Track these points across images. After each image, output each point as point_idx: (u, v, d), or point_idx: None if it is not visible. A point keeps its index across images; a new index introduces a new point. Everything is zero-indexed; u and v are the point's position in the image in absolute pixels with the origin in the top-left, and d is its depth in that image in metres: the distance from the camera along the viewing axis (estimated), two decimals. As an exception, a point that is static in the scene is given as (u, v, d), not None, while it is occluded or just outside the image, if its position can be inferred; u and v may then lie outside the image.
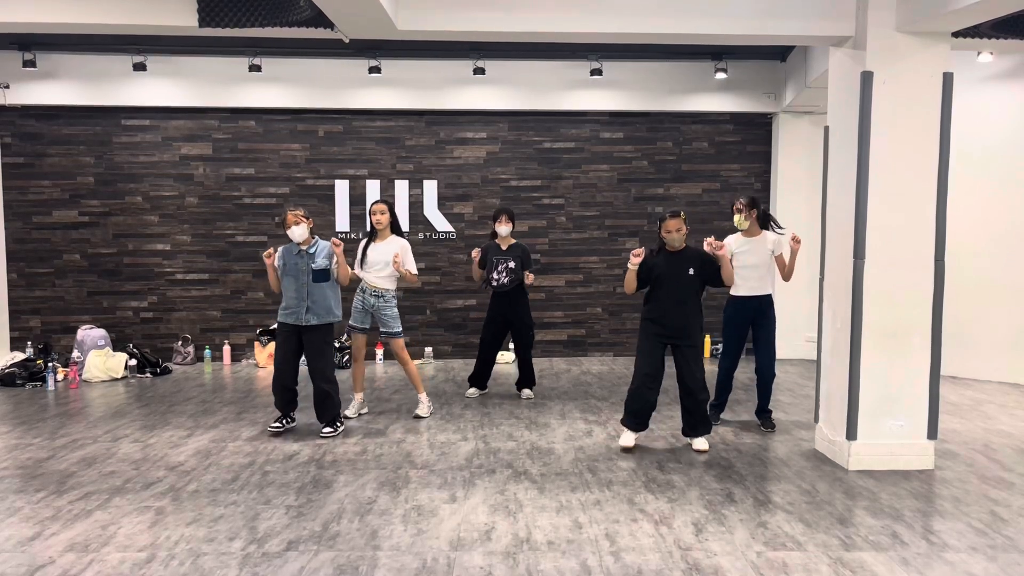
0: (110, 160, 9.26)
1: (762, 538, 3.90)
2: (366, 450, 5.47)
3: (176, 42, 8.63)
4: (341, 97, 9.17)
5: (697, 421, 5.44)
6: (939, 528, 4.06)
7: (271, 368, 8.84)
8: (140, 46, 8.69)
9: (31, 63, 8.56)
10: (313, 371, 5.79)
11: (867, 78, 4.91)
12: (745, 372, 8.57)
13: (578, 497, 4.50)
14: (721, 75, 9.07)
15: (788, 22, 5.21)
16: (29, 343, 9.05)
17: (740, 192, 9.65)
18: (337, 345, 9.20)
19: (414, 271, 6.26)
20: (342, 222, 9.43)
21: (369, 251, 6.25)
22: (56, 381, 7.96)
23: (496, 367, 8.37)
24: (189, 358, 9.24)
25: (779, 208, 9.49)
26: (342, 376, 8.21)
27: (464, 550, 3.75)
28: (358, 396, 6.49)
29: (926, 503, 4.44)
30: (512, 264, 6.98)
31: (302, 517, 4.18)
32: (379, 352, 9.27)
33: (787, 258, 6.01)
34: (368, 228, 6.48)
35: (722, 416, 6.40)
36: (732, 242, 6.03)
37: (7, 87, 8.80)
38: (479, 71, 8.87)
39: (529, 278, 6.95)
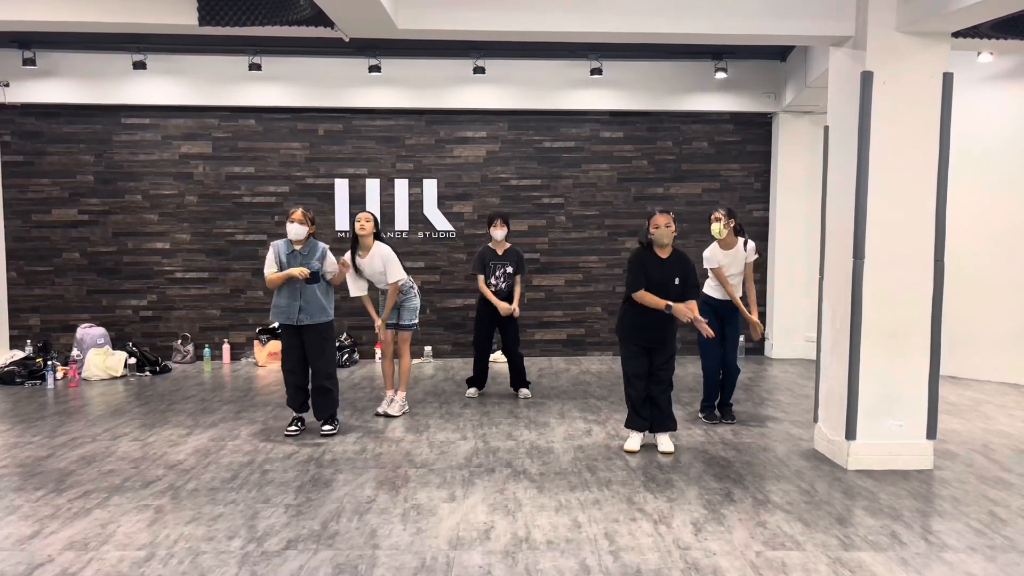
0: (110, 159, 9.26)
1: (761, 538, 3.90)
2: (365, 449, 5.47)
3: (176, 41, 8.63)
4: (341, 96, 9.17)
5: (663, 414, 5.41)
6: (938, 528, 4.07)
7: (271, 367, 8.85)
8: (140, 45, 8.69)
9: (31, 61, 8.56)
10: (314, 369, 5.79)
11: (867, 78, 4.91)
12: (744, 372, 8.58)
13: (577, 496, 4.50)
14: (721, 75, 9.07)
15: (788, 22, 5.21)
16: (28, 341, 9.05)
17: (740, 192, 9.67)
18: (337, 344, 9.21)
19: (397, 277, 6.17)
20: (342, 221, 9.43)
21: (361, 266, 6.24)
22: (55, 379, 7.96)
23: (496, 367, 8.36)
24: (188, 357, 9.24)
25: (779, 208, 9.51)
26: (343, 375, 8.22)
27: (463, 549, 3.75)
28: (389, 393, 6.55)
29: (925, 503, 4.44)
30: (510, 269, 7.03)
31: (301, 516, 4.18)
32: (377, 351, 9.27)
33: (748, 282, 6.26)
34: (351, 235, 6.46)
35: (737, 419, 6.39)
36: (715, 255, 6.19)
37: (7, 85, 8.80)
38: (479, 70, 8.87)
39: (515, 311, 7.00)
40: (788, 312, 9.57)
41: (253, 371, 8.74)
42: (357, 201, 9.41)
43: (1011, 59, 7.83)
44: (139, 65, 8.70)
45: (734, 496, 4.52)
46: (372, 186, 9.42)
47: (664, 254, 5.27)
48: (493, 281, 7.03)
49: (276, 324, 9.22)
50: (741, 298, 6.27)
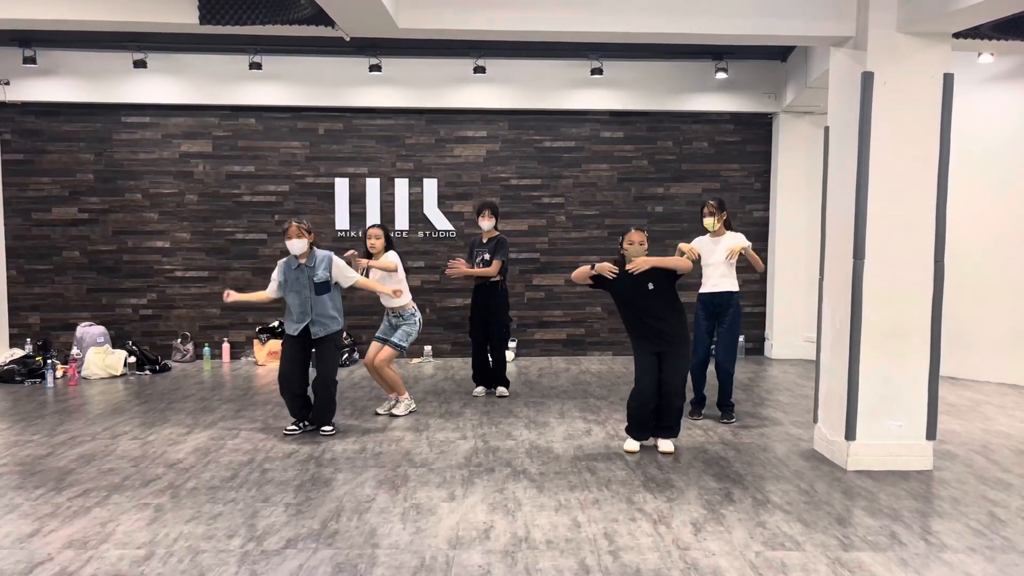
0: (110, 157, 9.26)
1: (760, 538, 3.91)
2: (365, 448, 5.47)
3: (177, 39, 8.63)
4: (341, 95, 9.17)
5: (669, 424, 5.41)
6: (937, 529, 4.07)
7: (270, 366, 8.85)
8: (141, 43, 8.69)
9: (31, 60, 8.56)
10: (318, 373, 5.81)
11: (868, 78, 4.91)
12: (743, 372, 8.59)
13: (577, 496, 4.50)
14: (721, 75, 9.07)
15: (789, 22, 5.21)
16: (28, 340, 9.05)
17: (740, 192, 9.67)
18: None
19: (404, 289, 6.29)
20: (342, 220, 9.43)
21: (372, 276, 6.31)
22: (55, 378, 7.96)
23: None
24: (188, 355, 9.24)
25: (779, 208, 9.51)
26: (343, 375, 8.22)
27: (463, 549, 3.75)
28: (392, 395, 6.54)
29: (925, 503, 4.44)
30: (488, 256, 7.01)
31: (301, 515, 4.18)
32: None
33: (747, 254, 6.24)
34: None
35: (737, 419, 6.40)
36: (701, 242, 6.32)
37: (7, 83, 8.80)
38: (479, 70, 8.87)
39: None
40: (788, 312, 9.57)
41: (253, 370, 8.74)
42: (357, 200, 9.41)
43: (1012, 60, 7.83)
44: (139, 64, 8.70)
45: (734, 496, 4.52)
46: (372, 185, 9.42)
47: (632, 267, 5.23)
48: (474, 266, 7.09)
49: (276, 323, 9.24)
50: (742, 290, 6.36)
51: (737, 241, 6.21)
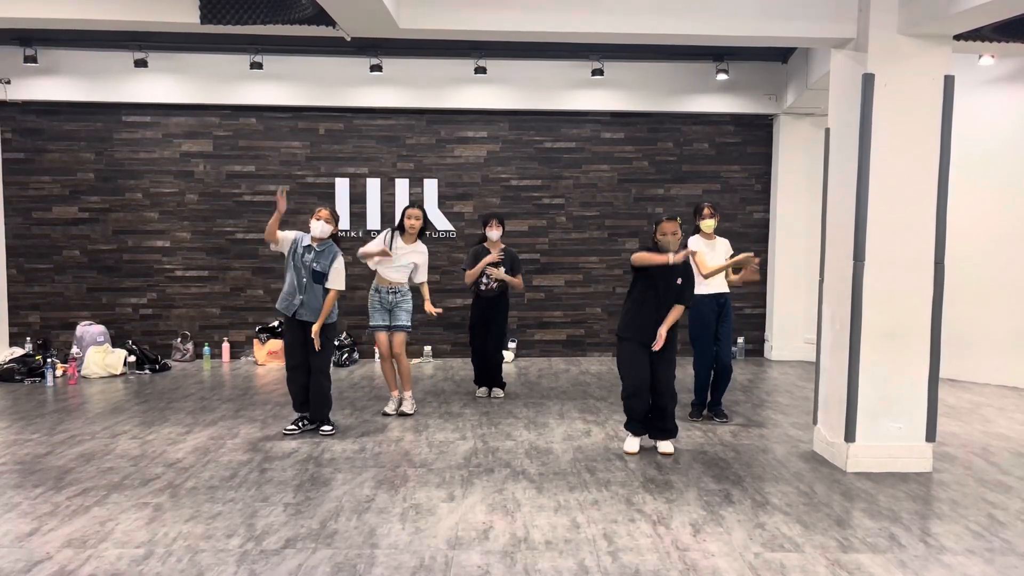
0: (110, 156, 9.26)
1: (760, 539, 3.90)
2: (364, 448, 5.47)
3: (177, 39, 8.62)
4: (342, 95, 9.17)
5: (666, 425, 5.42)
6: (937, 531, 4.07)
7: (270, 366, 8.85)
8: (141, 42, 8.69)
9: (32, 59, 8.56)
10: (312, 366, 5.80)
11: (868, 80, 4.91)
12: (743, 373, 8.59)
13: (576, 497, 4.50)
14: (722, 76, 9.07)
15: (790, 23, 5.21)
16: (28, 339, 9.05)
17: (740, 193, 9.67)
18: (336, 343, 9.21)
19: (423, 279, 6.46)
20: (342, 220, 9.42)
21: (396, 251, 6.33)
22: (55, 377, 7.96)
23: (504, 367, 8.33)
24: (188, 355, 9.24)
25: (779, 210, 9.51)
26: (343, 375, 8.21)
27: (462, 549, 3.75)
28: (394, 393, 6.56)
29: (924, 505, 4.44)
30: (503, 270, 7.01)
31: (300, 515, 4.18)
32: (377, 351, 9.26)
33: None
34: (397, 224, 6.49)
35: (730, 418, 6.40)
36: (695, 244, 6.28)
37: (8, 82, 8.80)
38: (480, 70, 8.87)
39: (500, 272, 6.95)
40: (788, 314, 9.57)
41: (252, 370, 8.74)
42: (358, 200, 9.41)
43: (1012, 62, 7.83)
44: (140, 63, 8.70)
45: (733, 497, 4.52)
46: (373, 185, 9.42)
47: None
48: (484, 280, 7.01)
49: (276, 323, 9.24)
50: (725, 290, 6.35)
51: (728, 248, 6.35)
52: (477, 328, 7.13)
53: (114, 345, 8.80)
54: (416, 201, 7.01)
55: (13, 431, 5.93)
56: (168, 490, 4.57)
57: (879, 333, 5.00)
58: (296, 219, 9.38)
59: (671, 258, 5.11)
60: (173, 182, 9.34)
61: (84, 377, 8.18)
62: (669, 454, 5.38)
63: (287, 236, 5.79)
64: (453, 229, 9.54)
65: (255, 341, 9.22)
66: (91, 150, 9.24)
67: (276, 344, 9.02)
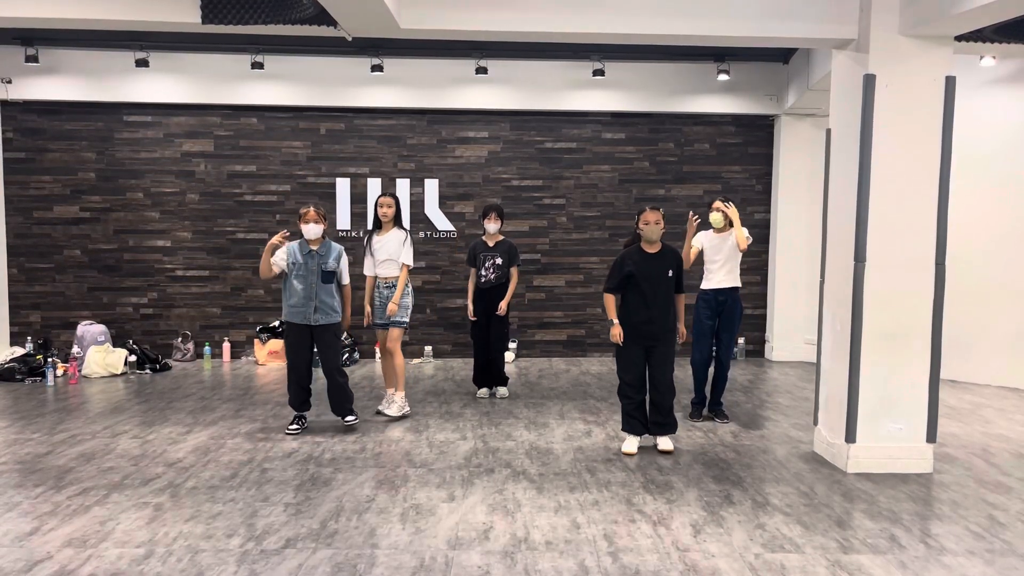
0: (111, 156, 9.26)
1: (760, 540, 3.90)
2: (365, 448, 5.47)
3: (179, 39, 8.63)
4: (343, 95, 9.17)
5: (663, 419, 5.44)
6: (937, 532, 4.06)
7: (271, 365, 8.85)
8: (143, 42, 8.69)
9: (33, 58, 8.56)
10: (326, 366, 5.82)
11: (869, 81, 4.91)
12: (744, 374, 8.59)
13: (576, 497, 4.50)
14: (723, 77, 9.07)
15: (791, 24, 5.21)
16: (29, 338, 9.05)
17: (741, 194, 9.67)
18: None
19: (408, 262, 6.25)
20: (343, 220, 9.43)
21: (374, 243, 6.31)
22: (55, 376, 7.96)
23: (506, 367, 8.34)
24: (189, 355, 9.25)
25: (780, 210, 9.51)
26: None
27: (462, 549, 3.75)
28: (390, 391, 6.50)
29: (924, 506, 4.44)
30: (499, 260, 6.99)
31: (300, 515, 4.18)
32: (377, 350, 9.26)
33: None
34: (372, 221, 6.49)
35: (730, 419, 6.40)
36: (704, 238, 6.33)
37: (9, 82, 8.81)
38: (481, 70, 8.87)
39: (501, 308, 6.96)
40: (788, 314, 9.56)
41: (253, 369, 8.74)
42: (359, 200, 9.42)
43: (1013, 63, 7.82)
44: (141, 63, 8.70)
45: (733, 498, 4.52)
46: (373, 185, 9.42)
47: (653, 249, 5.35)
48: (483, 272, 7.00)
49: (277, 323, 9.24)
50: (743, 290, 6.40)
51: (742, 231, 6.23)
52: (478, 322, 7.10)
53: (115, 345, 8.81)
54: (389, 191, 7.01)
55: (14, 430, 5.93)
56: (168, 490, 4.57)
57: (880, 334, 5.00)
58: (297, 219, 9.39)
59: (613, 326, 5.29)
60: (174, 182, 9.34)
61: (85, 377, 8.18)
62: (668, 452, 5.38)
63: (279, 258, 5.73)
64: (454, 229, 9.54)
65: (255, 341, 9.23)
66: (92, 150, 9.24)
67: (277, 344, 9.02)
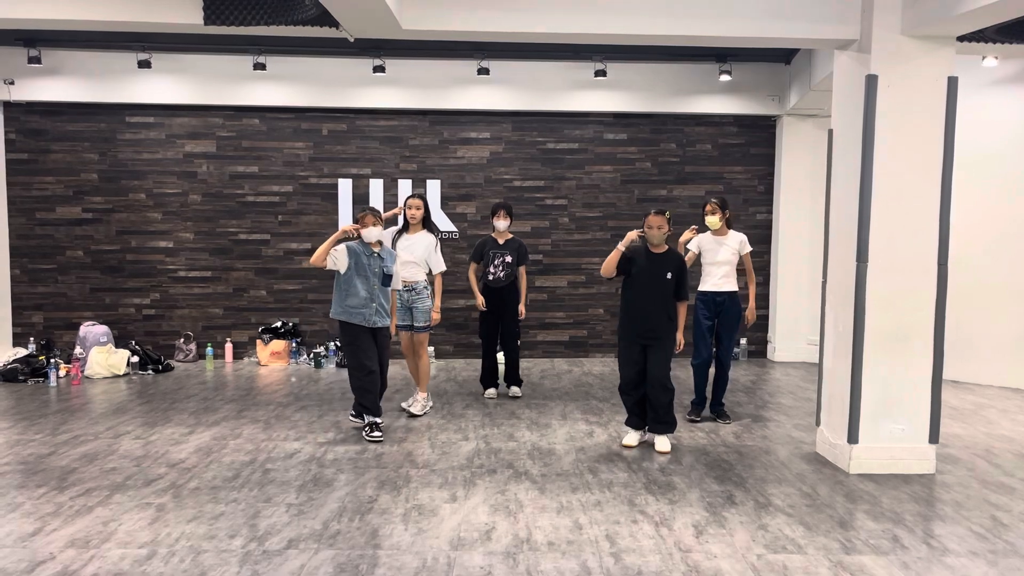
0: (114, 157, 9.27)
1: (762, 540, 3.90)
2: (367, 449, 5.47)
3: (181, 40, 8.64)
4: (345, 96, 9.18)
5: (660, 417, 5.50)
6: (940, 532, 4.06)
7: (272, 366, 8.86)
8: (145, 43, 8.70)
9: (36, 59, 8.57)
10: (383, 367, 5.87)
11: (872, 81, 4.90)
12: (746, 374, 8.58)
13: (579, 498, 4.50)
14: (725, 77, 9.06)
15: (793, 24, 5.21)
16: (32, 339, 9.07)
17: (743, 194, 9.67)
18: (340, 344, 9.21)
19: (442, 268, 6.47)
20: (345, 221, 9.42)
21: (400, 244, 6.37)
22: (58, 377, 7.97)
23: (500, 366, 8.34)
24: (191, 355, 9.25)
25: (782, 211, 9.50)
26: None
27: (464, 550, 3.75)
28: (421, 394, 6.55)
29: (927, 507, 4.44)
30: (508, 259, 7.00)
31: (303, 515, 4.19)
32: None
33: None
34: (401, 223, 6.54)
35: (731, 419, 6.40)
36: (703, 240, 6.40)
37: (12, 83, 8.82)
38: (483, 71, 8.87)
39: (521, 313, 7.12)
40: (791, 315, 9.56)
41: (255, 370, 8.75)
42: (361, 201, 9.42)
43: (1016, 63, 7.81)
44: (144, 64, 8.72)
45: (736, 499, 4.52)
46: (376, 186, 9.42)
47: (659, 251, 5.49)
48: (492, 270, 7.02)
49: (279, 324, 9.25)
50: (743, 291, 6.43)
51: (743, 246, 6.38)
52: (488, 321, 7.10)
53: (117, 345, 8.81)
54: (418, 192, 7.11)
55: (16, 431, 5.94)
56: (171, 490, 4.58)
57: (882, 334, 4.99)
58: (300, 220, 9.41)
59: (620, 245, 5.41)
60: (176, 183, 9.35)
61: (87, 377, 8.19)
62: (665, 453, 5.40)
63: (340, 253, 5.61)
64: (456, 230, 9.55)
65: (258, 341, 9.23)
66: (95, 151, 9.25)
67: (279, 345, 9.03)
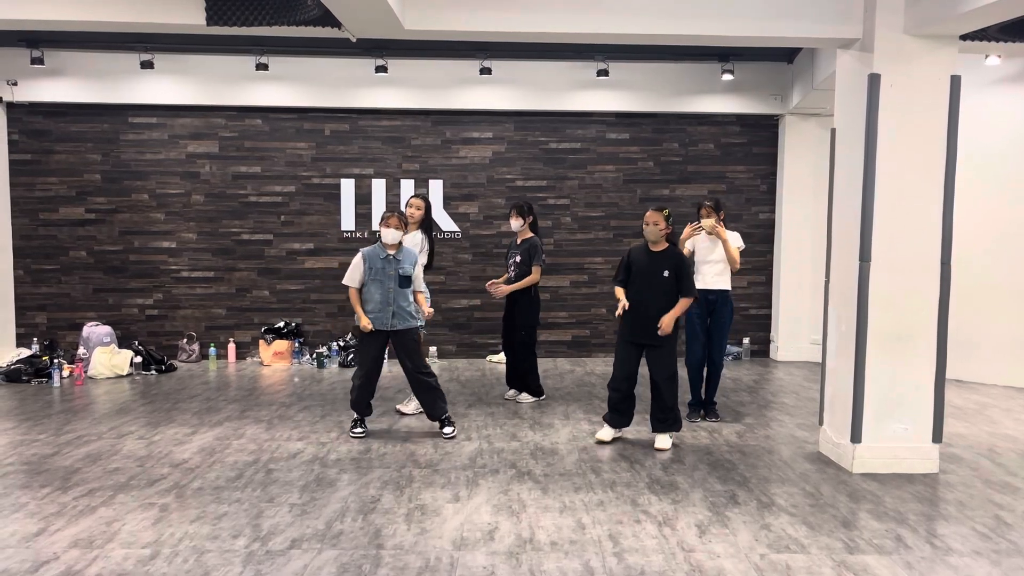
0: (117, 157, 9.28)
1: (765, 540, 3.90)
2: (370, 449, 5.48)
3: (183, 40, 8.65)
4: (347, 96, 9.19)
5: (662, 416, 5.53)
6: (943, 532, 4.05)
7: (275, 366, 8.87)
8: (148, 44, 8.71)
9: (39, 60, 8.59)
10: (410, 369, 5.76)
11: (874, 80, 4.90)
12: (749, 374, 8.57)
13: (581, 498, 4.50)
14: (728, 76, 9.05)
15: (795, 24, 5.20)
16: (35, 339, 9.08)
17: (746, 194, 9.66)
18: (343, 344, 9.22)
19: (422, 288, 6.04)
20: (348, 222, 9.44)
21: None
22: (62, 378, 7.98)
23: (499, 367, 8.36)
24: (194, 355, 9.26)
25: (785, 210, 9.49)
26: (349, 376, 8.21)
27: (467, 550, 3.76)
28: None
29: (930, 507, 4.43)
30: (519, 258, 6.97)
31: (306, 515, 4.19)
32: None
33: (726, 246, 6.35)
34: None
35: (722, 418, 6.39)
36: (697, 239, 6.42)
37: (15, 84, 8.83)
38: (485, 71, 8.87)
39: (502, 289, 6.92)
40: (794, 314, 9.54)
41: (258, 370, 8.75)
42: (363, 201, 9.43)
43: (1019, 62, 7.80)
44: (146, 64, 8.72)
45: (738, 498, 4.51)
46: (378, 186, 9.43)
47: (657, 248, 5.50)
48: (507, 271, 7.09)
49: (282, 324, 9.26)
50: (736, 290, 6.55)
51: (736, 241, 6.40)
52: (505, 324, 7.15)
53: (120, 346, 8.83)
54: (420, 192, 7.07)
55: (20, 431, 5.95)
56: (174, 490, 4.58)
57: (885, 334, 4.99)
58: (302, 220, 9.42)
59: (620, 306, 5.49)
60: (179, 183, 9.36)
61: (91, 378, 8.21)
62: (664, 450, 5.42)
63: (357, 269, 5.71)
64: (458, 230, 9.55)
65: (261, 342, 9.24)
66: (97, 151, 9.27)
67: (282, 345, 9.04)
